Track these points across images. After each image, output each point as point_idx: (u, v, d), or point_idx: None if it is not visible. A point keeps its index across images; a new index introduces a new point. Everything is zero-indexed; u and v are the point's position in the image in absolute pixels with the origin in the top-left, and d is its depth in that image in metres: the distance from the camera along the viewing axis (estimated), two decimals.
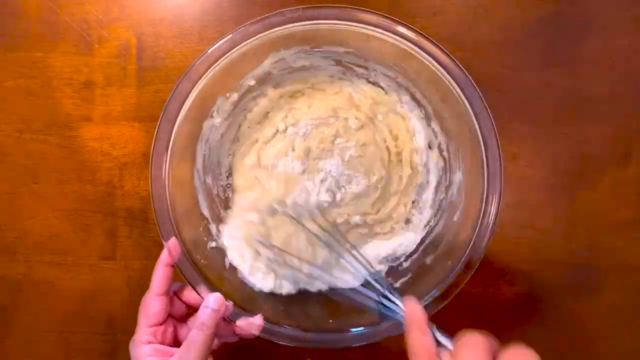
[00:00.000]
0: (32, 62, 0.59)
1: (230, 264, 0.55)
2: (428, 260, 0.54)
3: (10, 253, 0.61)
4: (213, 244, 0.55)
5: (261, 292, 0.55)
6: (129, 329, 0.61)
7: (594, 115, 0.59)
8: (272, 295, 0.56)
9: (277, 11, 0.47)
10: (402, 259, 0.57)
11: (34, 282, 0.61)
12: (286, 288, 0.55)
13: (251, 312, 0.49)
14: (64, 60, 0.59)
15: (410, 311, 0.40)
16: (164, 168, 0.47)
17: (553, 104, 0.59)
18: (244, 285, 0.55)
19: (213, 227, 0.56)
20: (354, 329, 0.48)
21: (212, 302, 0.45)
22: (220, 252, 0.55)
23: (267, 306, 0.53)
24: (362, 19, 0.47)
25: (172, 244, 0.47)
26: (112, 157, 0.60)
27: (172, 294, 0.49)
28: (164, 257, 0.47)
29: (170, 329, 0.47)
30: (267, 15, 0.47)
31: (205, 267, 0.49)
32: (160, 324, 0.46)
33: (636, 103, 0.59)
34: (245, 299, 0.51)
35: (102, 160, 0.60)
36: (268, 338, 0.48)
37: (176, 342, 0.48)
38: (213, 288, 0.48)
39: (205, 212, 0.55)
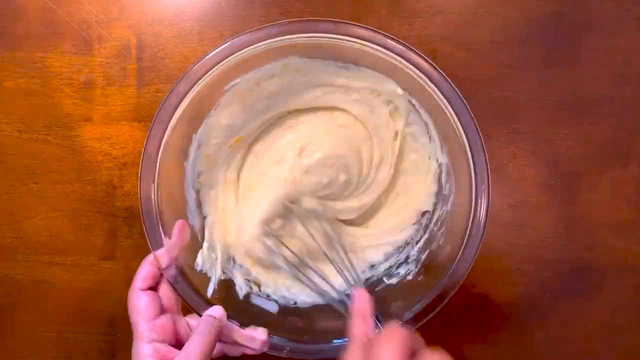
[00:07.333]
0: (32, 62, 0.59)
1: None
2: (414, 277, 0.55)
3: (10, 253, 0.61)
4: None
5: (260, 308, 0.55)
6: (129, 329, 0.61)
7: (594, 115, 0.59)
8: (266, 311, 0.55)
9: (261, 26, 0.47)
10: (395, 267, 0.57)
11: (34, 282, 0.61)
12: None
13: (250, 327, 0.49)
14: (64, 60, 0.59)
15: (359, 299, 0.44)
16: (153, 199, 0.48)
17: (553, 104, 0.59)
18: (237, 300, 0.55)
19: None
20: (337, 340, 0.49)
21: (215, 312, 0.46)
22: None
23: (262, 321, 0.52)
24: (351, 33, 0.47)
25: (159, 253, 0.47)
26: (112, 157, 0.60)
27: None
28: (150, 258, 0.48)
29: (169, 323, 0.46)
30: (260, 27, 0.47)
31: (200, 285, 0.50)
32: (155, 318, 0.46)
33: (636, 103, 0.59)
34: (241, 314, 0.51)
35: (102, 160, 0.60)
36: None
37: (178, 336, 0.47)
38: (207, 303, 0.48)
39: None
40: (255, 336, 0.48)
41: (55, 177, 0.60)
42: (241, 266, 0.57)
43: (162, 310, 0.47)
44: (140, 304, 0.45)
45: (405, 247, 0.57)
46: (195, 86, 0.47)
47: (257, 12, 0.58)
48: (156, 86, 0.59)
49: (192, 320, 0.49)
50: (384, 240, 0.58)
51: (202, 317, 0.46)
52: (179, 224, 0.50)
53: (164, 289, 0.48)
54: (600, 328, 0.60)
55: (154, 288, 0.48)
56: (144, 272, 0.47)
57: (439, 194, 0.56)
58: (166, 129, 0.48)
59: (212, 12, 0.59)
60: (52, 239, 0.60)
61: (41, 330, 0.61)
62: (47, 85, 0.59)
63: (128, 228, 0.60)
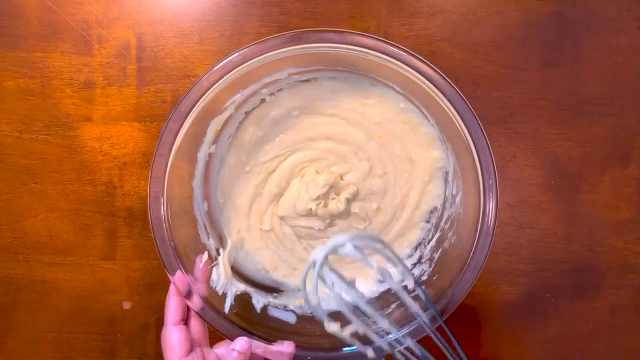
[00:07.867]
0: (32, 62, 0.59)
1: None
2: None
3: (10, 253, 0.61)
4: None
5: (278, 319, 0.55)
6: (129, 329, 0.61)
7: (594, 115, 0.59)
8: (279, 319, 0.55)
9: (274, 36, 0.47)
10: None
11: (34, 282, 0.61)
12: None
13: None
14: (63, 60, 0.59)
15: None
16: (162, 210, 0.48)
17: (553, 104, 0.59)
18: (255, 313, 0.55)
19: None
20: (346, 348, 0.48)
21: (239, 346, 0.46)
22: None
23: (281, 331, 0.52)
24: (355, 42, 0.47)
25: (177, 278, 0.47)
26: (112, 157, 0.60)
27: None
28: (173, 289, 0.48)
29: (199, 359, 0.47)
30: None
31: (217, 302, 0.50)
32: (187, 354, 0.46)
33: (636, 103, 0.59)
34: (260, 327, 0.51)
35: (102, 160, 0.60)
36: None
37: None
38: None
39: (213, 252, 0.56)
40: (283, 350, 0.48)
41: (55, 177, 0.60)
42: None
43: (193, 345, 0.47)
44: (173, 342, 0.46)
45: (417, 247, 0.58)
46: (197, 105, 0.48)
47: (257, 12, 0.59)
48: (156, 86, 0.59)
49: (220, 350, 0.49)
50: (396, 242, 0.58)
51: (226, 353, 0.46)
52: (199, 258, 0.50)
53: (194, 322, 0.49)
54: (600, 328, 0.60)
55: (184, 322, 0.48)
56: (173, 305, 0.47)
57: (446, 193, 0.56)
58: (172, 147, 0.48)
59: (212, 12, 0.59)
60: (52, 239, 0.60)
61: (41, 330, 0.61)
62: (47, 85, 0.59)
63: (128, 228, 0.60)
